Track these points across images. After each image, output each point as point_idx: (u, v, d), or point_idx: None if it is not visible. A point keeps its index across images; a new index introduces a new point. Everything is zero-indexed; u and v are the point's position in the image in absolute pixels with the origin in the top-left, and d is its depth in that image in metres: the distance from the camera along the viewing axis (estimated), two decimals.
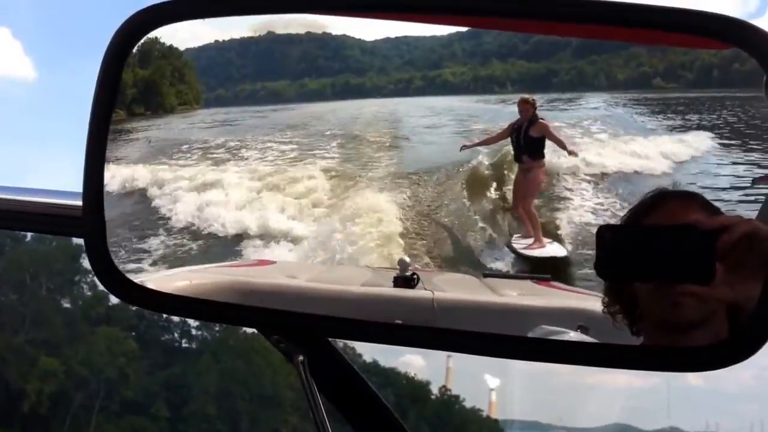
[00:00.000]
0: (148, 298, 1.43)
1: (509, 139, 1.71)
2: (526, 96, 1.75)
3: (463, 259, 1.97)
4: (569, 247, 1.69)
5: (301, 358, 1.56)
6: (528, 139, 1.65)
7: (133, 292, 1.39)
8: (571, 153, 1.74)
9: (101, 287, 1.41)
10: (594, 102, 2.20)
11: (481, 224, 1.95)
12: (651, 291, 1.11)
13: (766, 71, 1.11)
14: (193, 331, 29.04)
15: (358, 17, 1.60)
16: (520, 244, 1.75)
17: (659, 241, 1.06)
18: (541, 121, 1.65)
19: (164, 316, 26.91)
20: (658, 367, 1.13)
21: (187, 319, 26.54)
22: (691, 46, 1.58)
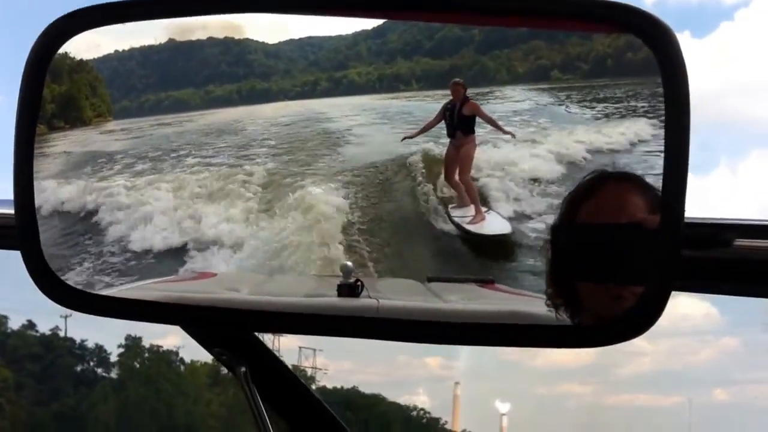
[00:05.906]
0: (83, 301, 1.52)
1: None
2: (457, 79, 1.88)
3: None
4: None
5: (243, 369, 1.57)
6: (461, 117, 1.76)
7: (69, 296, 1.50)
8: (508, 133, 1.82)
9: None
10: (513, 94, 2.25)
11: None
12: (593, 286, 1.16)
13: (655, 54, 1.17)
14: (112, 358, 27.48)
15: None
16: (458, 214, 1.79)
17: (605, 241, 1.10)
18: (471, 101, 1.77)
19: (77, 343, 26.15)
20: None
21: (102, 347, 26.25)
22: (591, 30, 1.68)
